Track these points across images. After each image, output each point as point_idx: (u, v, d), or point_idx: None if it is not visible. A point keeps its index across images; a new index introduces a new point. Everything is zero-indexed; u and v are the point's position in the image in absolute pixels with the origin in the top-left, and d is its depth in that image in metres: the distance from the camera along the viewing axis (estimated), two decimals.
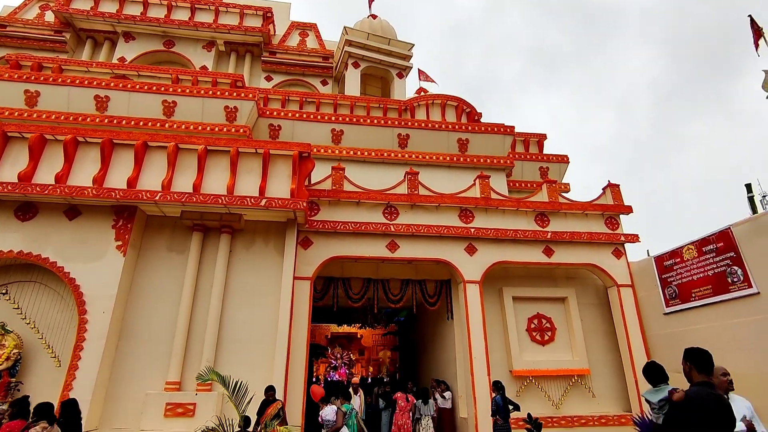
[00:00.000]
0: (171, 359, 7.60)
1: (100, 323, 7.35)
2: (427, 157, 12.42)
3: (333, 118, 12.39)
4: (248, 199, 8.10)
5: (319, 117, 12.35)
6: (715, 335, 8.01)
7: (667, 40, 71.26)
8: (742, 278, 7.62)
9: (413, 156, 12.36)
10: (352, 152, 12.16)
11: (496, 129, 12.85)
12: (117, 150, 8.20)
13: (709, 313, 8.23)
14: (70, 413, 4.81)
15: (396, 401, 9.22)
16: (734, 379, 4.03)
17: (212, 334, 7.85)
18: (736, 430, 3.51)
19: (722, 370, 3.99)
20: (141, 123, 10.13)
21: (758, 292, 7.33)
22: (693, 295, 8.60)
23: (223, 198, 8.01)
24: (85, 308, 7.41)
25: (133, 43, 14.48)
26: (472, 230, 9.88)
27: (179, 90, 10.49)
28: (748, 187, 11.55)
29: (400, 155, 12.34)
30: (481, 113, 14.69)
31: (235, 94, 10.58)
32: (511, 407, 7.45)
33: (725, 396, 3.93)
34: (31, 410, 4.91)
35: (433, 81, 15.86)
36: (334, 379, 16.93)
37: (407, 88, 16.78)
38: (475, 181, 10.68)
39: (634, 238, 10.52)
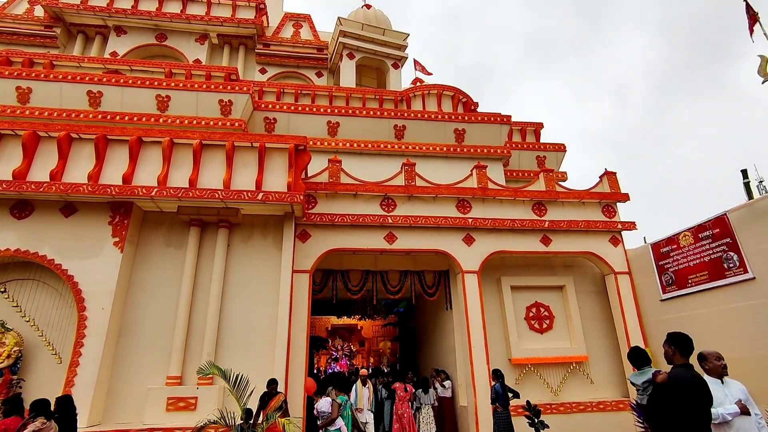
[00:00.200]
0: (171, 354, 7.63)
1: (100, 319, 7.36)
2: (424, 147, 12.40)
3: (329, 110, 12.32)
4: (245, 193, 8.08)
5: (314, 109, 12.28)
6: (711, 320, 8.10)
7: (663, 24, 70.88)
8: (737, 264, 7.68)
9: (410, 147, 12.33)
10: (348, 144, 12.12)
11: (492, 119, 12.82)
12: (111, 146, 8.15)
13: (705, 299, 8.31)
14: (65, 409, 4.82)
15: (395, 391, 9.31)
16: (729, 363, 4.08)
17: (212, 328, 7.88)
18: (730, 411, 3.61)
19: (716, 355, 4.04)
20: (135, 118, 10.05)
21: (754, 278, 7.39)
22: (689, 281, 8.66)
23: (219, 192, 7.99)
24: (84, 305, 7.41)
25: (125, 38, 14.31)
26: (470, 220, 9.90)
27: (173, 84, 10.40)
28: (744, 172, 11.57)
29: (396, 146, 12.31)
30: (477, 103, 14.64)
31: (229, 87, 10.50)
32: (510, 395, 7.54)
33: (721, 379, 3.99)
34: (26, 407, 4.95)
35: (429, 73, 15.77)
36: (335, 370, 17.07)
37: (403, 78, 16.68)
38: (472, 171, 10.68)
39: (631, 226, 10.57)
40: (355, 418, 8.26)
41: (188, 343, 7.81)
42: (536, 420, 7.10)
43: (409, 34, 16.56)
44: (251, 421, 6.26)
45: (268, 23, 16.28)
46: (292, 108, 12.12)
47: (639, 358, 4.65)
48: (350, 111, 12.39)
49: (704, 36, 68.16)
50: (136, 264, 8.23)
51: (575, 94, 78.73)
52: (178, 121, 10.12)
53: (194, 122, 10.20)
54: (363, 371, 8.77)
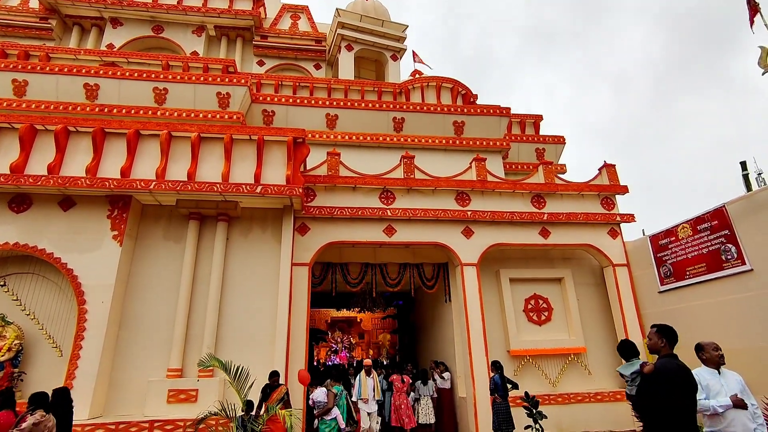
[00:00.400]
0: (172, 347, 7.67)
1: (100, 313, 7.39)
2: (423, 140, 12.36)
3: (327, 103, 12.26)
4: (243, 186, 8.06)
5: (313, 102, 12.22)
6: (709, 312, 8.15)
7: (663, 15, 70.41)
8: (735, 255, 7.71)
9: (409, 140, 12.30)
10: (347, 137, 12.08)
11: (491, 111, 12.77)
12: (109, 139, 8.11)
13: (703, 291, 8.35)
14: (63, 401, 4.83)
15: (392, 383, 9.39)
16: (727, 354, 4.12)
17: (212, 321, 7.92)
18: (721, 404, 3.67)
19: (713, 345, 4.07)
20: (132, 111, 9.99)
21: (751, 269, 7.43)
22: (687, 273, 8.70)
23: (218, 186, 7.97)
24: (84, 298, 7.43)
25: (121, 29, 14.18)
26: (469, 213, 9.90)
27: (170, 77, 10.33)
28: (743, 164, 11.58)
29: (395, 139, 12.27)
30: (476, 95, 14.58)
31: (227, 79, 10.43)
32: (509, 386, 7.59)
33: (718, 369, 4.03)
34: (21, 401, 4.97)
35: (427, 66, 15.68)
36: (335, 362, 17.17)
37: (402, 70, 16.58)
38: (471, 163, 10.66)
39: (629, 218, 10.58)
40: (351, 408, 8.33)
41: (188, 335, 7.84)
42: (534, 411, 7.15)
43: (407, 26, 16.44)
44: (252, 413, 6.31)
45: (265, 14, 16.13)
46: (291, 100, 12.05)
47: (628, 350, 5.00)
48: (349, 103, 12.33)
49: (705, 27, 67.80)
50: (135, 258, 8.24)
51: (575, 87, 78.47)
52: (175, 114, 10.07)
53: (192, 115, 10.14)
54: (367, 361, 8.71)
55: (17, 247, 7.51)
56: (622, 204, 11.06)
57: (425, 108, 12.52)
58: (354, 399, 8.33)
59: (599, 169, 11.26)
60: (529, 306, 10.00)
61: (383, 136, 12.24)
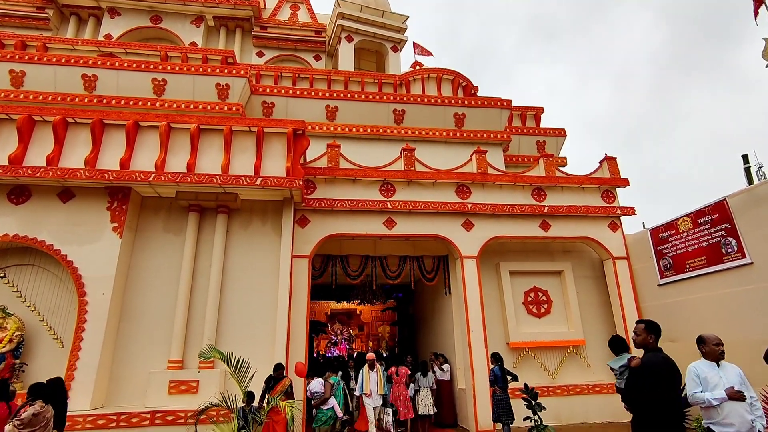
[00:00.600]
0: (172, 339, 7.69)
1: (100, 305, 7.40)
2: (424, 132, 12.30)
3: (327, 95, 12.19)
4: (243, 178, 8.03)
5: (313, 93, 12.14)
6: (708, 305, 8.17)
7: (667, 6, 69.75)
8: (736, 249, 7.71)
9: (409, 132, 12.24)
10: (347, 129, 12.02)
11: (492, 103, 12.70)
12: (108, 130, 8.06)
13: (703, 284, 8.36)
14: (60, 390, 4.84)
15: (391, 376, 9.42)
16: (726, 346, 4.11)
17: (212, 313, 7.93)
18: (716, 397, 3.72)
19: (715, 340, 4.06)
20: (131, 102, 9.93)
21: (751, 262, 7.43)
22: (687, 266, 8.70)
23: (217, 177, 7.94)
24: (84, 290, 7.43)
25: (119, 19, 14.04)
26: (469, 206, 9.89)
27: (169, 68, 10.24)
28: (745, 158, 11.53)
29: (396, 131, 12.21)
30: (477, 87, 14.48)
31: (226, 71, 10.35)
32: (509, 378, 7.63)
33: (717, 362, 4.03)
34: (10, 393, 4.99)
35: (429, 53, 15.53)
36: (335, 354, 17.27)
37: (402, 62, 16.46)
38: (471, 156, 10.61)
39: (630, 211, 10.57)
40: (348, 397, 8.33)
41: (189, 327, 7.86)
42: (533, 402, 7.20)
43: (408, 17, 16.30)
44: (253, 404, 6.35)
45: (265, 5, 15.98)
46: (290, 92, 11.98)
47: (617, 345, 5.32)
48: (349, 95, 12.26)
49: (709, 19, 67.20)
50: (135, 249, 8.23)
51: (576, 79, 77.94)
52: (174, 106, 10.01)
53: (191, 106, 10.08)
54: (370, 355, 8.56)
55: (17, 239, 7.50)
56: (623, 197, 11.05)
57: (426, 100, 12.45)
58: (357, 393, 8.25)
59: (600, 162, 11.23)
60: (529, 298, 10.03)
61: (383, 128, 12.18)
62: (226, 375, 7.38)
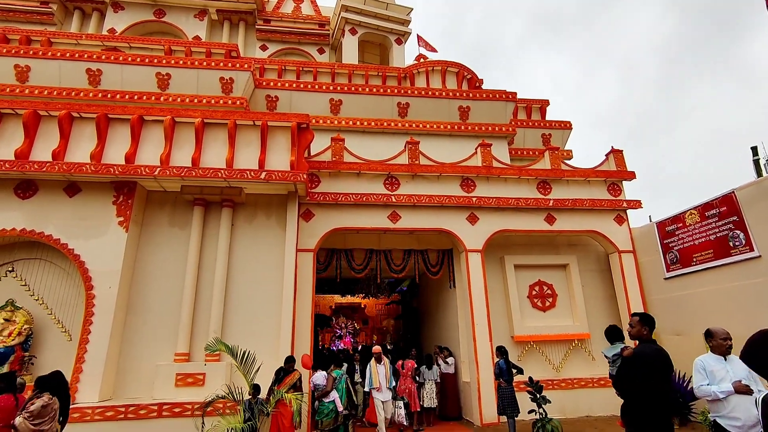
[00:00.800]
0: (179, 331, 7.74)
1: (107, 298, 7.45)
2: (428, 125, 12.25)
3: (331, 88, 12.14)
4: (248, 172, 8.03)
5: (316, 87, 12.11)
6: (715, 298, 8.11)
7: None
8: (743, 242, 7.63)
9: (413, 125, 12.19)
10: (351, 122, 11.98)
11: (497, 96, 12.61)
12: (113, 125, 8.08)
13: (710, 277, 8.30)
14: (63, 383, 4.89)
15: (397, 369, 9.45)
16: (733, 340, 4.08)
17: (218, 306, 7.98)
18: (722, 390, 3.73)
19: (723, 334, 4.04)
20: (135, 97, 9.95)
21: (759, 256, 7.36)
22: (694, 259, 8.64)
23: (222, 171, 7.95)
24: (92, 284, 7.49)
25: (123, 14, 14.03)
26: (474, 199, 9.85)
27: (173, 62, 10.24)
28: (754, 150, 11.35)
29: (400, 125, 12.16)
30: (482, 79, 14.38)
31: (230, 64, 10.33)
32: (514, 371, 7.63)
33: (724, 356, 4.01)
34: (19, 386, 5.05)
35: (433, 49, 15.42)
36: (340, 347, 17.35)
37: (406, 54, 16.35)
38: (476, 149, 10.56)
39: (636, 204, 10.49)
40: (351, 391, 8.33)
41: (195, 320, 7.91)
42: (538, 395, 7.22)
43: (412, 9, 16.17)
44: (259, 396, 6.40)
45: None
46: (294, 85, 11.94)
47: (613, 334, 5.48)
48: (353, 88, 12.20)
49: (718, 9, 66.12)
50: (141, 243, 8.27)
51: (582, 71, 77.11)
52: (179, 100, 10.01)
53: (195, 100, 10.08)
54: (376, 348, 8.43)
55: (24, 233, 7.56)
56: (629, 190, 10.96)
57: (430, 93, 12.38)
58: (366, 389, 8.08)
59: (606, 155, 11.13)
60: (534, 292, 10.01)
61: (388, 121, 12.13)
62: (232, 367, 7.44)
